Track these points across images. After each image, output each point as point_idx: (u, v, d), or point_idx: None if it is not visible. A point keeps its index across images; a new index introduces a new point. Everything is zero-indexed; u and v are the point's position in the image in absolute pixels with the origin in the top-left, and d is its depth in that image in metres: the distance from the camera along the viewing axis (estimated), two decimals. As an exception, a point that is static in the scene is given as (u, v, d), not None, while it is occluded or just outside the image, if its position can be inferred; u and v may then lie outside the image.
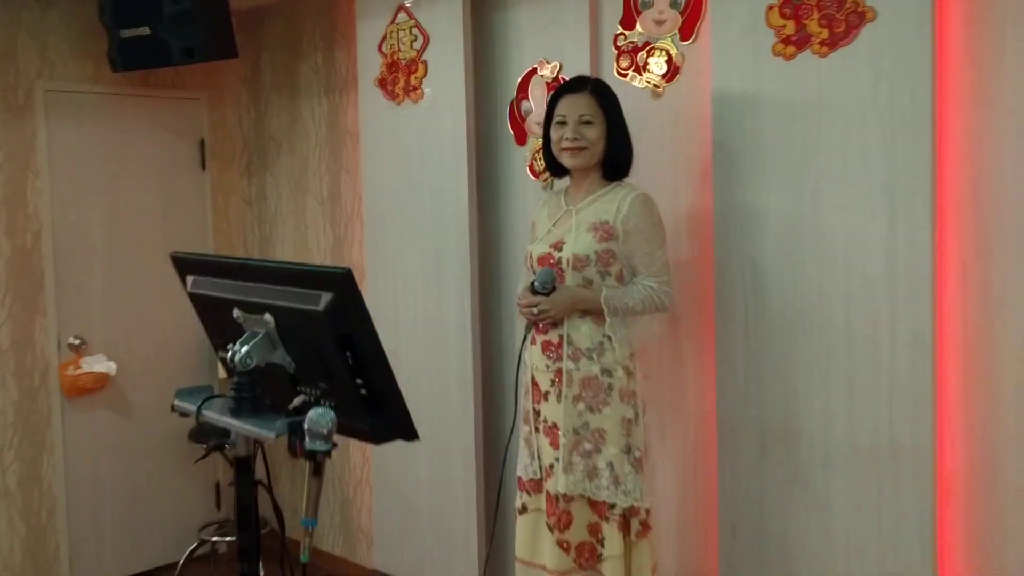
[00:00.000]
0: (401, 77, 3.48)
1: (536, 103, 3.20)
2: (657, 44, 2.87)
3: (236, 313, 1.83)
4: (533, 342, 2.59)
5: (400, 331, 3.59)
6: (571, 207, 2.58)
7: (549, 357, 2.53)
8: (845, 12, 2.35)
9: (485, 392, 3.42)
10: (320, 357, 1.71)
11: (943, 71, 2.26)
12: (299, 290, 1.70)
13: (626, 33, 2.95)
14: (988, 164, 2.24)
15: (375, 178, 3.64)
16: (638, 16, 2.91)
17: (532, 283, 2.48)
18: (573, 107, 2.53)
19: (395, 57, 3.50)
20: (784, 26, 2.47)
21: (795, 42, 2.46)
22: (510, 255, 3.36)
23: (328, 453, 1.62)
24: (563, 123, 2.54)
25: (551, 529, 2.54)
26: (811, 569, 2.53)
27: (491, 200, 3.39)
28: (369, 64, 3.60)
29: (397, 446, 1.80)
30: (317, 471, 1.62)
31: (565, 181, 2.71)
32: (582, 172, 2.58)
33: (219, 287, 1.88)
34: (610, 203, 2.52)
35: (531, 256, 2.61)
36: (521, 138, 3.27)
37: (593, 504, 2.50)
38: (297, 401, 1.80)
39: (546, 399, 2.55)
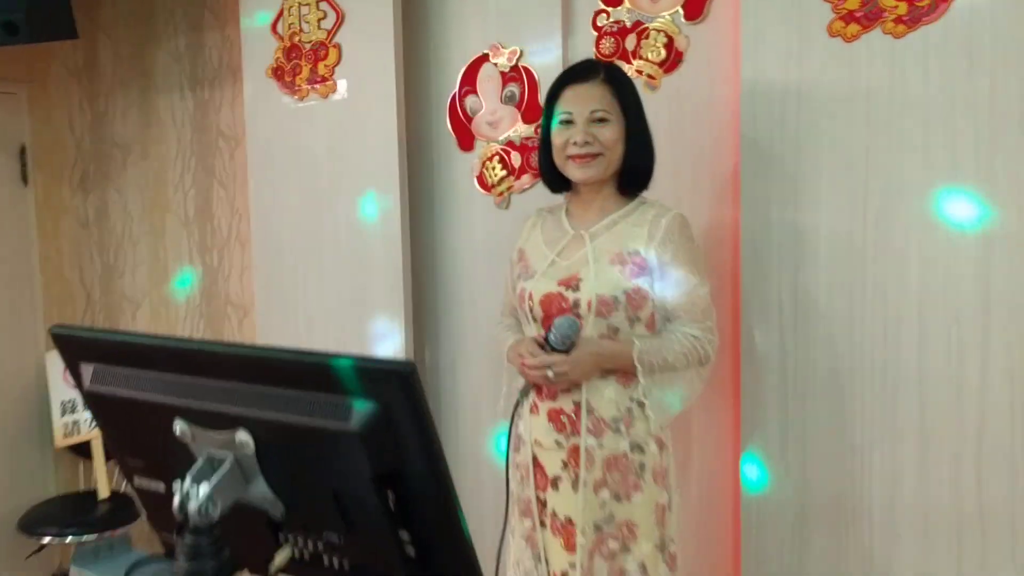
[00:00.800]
0: (304, 65, 2.75)
1: (487, 98, 2.57)
2: (653, 24, 2.32)
3: (180, 428, 1.09)
4: (534, 410, 1.95)
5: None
6: (580, 231, 1.96)
7: (560, 431, 1.89)
8: (929, -20, 1.89)
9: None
10: (337, 497, 1.02)
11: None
12: (311, 395, 1.00)
13: (609, 10, 2.38)
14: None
15: (267, 193, 2.87)
16: (625, -10, 2.35)
17: (546, 337, 1.84)
18: (583, 101, 1.92)
19: (296, 40, 2.76)
20: (844, -1, 1.98)
21: (860, 18, 1.96)
22: (452, 291, 2.70)
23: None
24: (569, 122, 1.92)
25: (571, 657, 1.91)
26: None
27: (427, 220, 2.72)
28: (258, 49, 2.84)
29: None
30: None
31: (557, 195, 2.10)
32: (591, 188, 1.97)
33: (148, 385, 1.13)
34: (637, 226, 1.92)
35: (529, 297, 1.95)
36: (466, 142, 2.63)
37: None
38: (280, 559, 1.11)
39: (555, 486, 1.91)
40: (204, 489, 1.04)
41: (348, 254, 2.71)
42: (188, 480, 1.02)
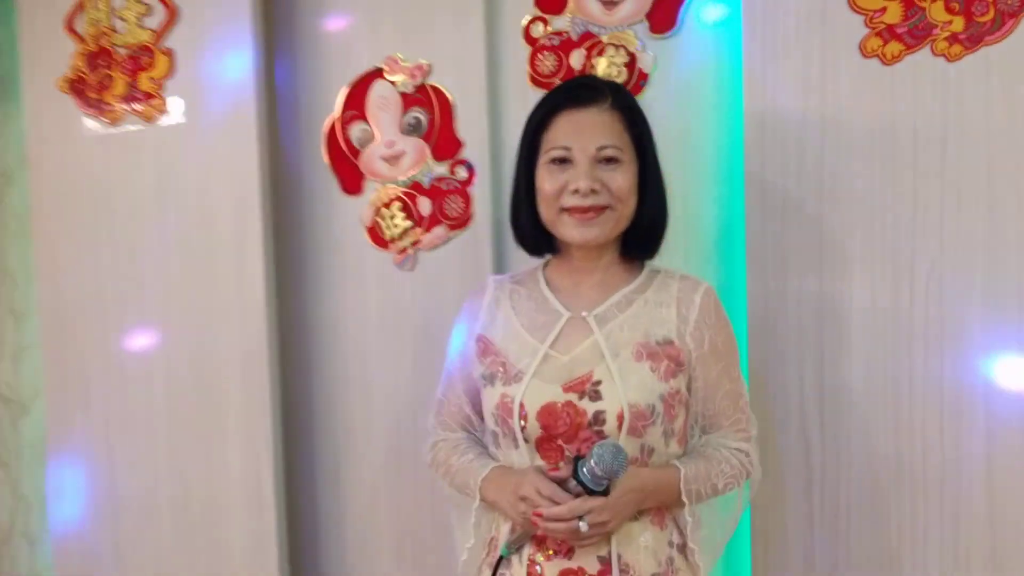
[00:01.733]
0: (119, 76, 1.99)
1: (381, 126, 1.95)
2: (608, 38, 1.81)
3: None
4: (534, 570, 1.33)
5: (125, 511, 2.07)
6: (580, 312, 1.39)
7: None
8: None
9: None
10: None
11: None
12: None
13: (548, 18, 1.85)
14: None
15: (60, 248, 2.08)
16: (570, -8, 1.83)
17: (579, 469, 1.25)
18: (587, 133, 1.35)
19: (104, 43, 2.00)
20: (885, 9, 1.56)
21: (902, 35, 1.54)
22: (335, 381, 2.04)
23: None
24: (566, 160, 1.36)
25: None
26: None
27: (297, 288, 2.05)
28: (44, 53, 2.04)
29: None
30: None
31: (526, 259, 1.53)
32: (589, 252, 1.41)
33: None
34: (662, 306, 1.38)
35: (520, 408, 1.34)
36: (352, 183, 1.98)
37: None
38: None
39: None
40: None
41: (188, 329, 1.98)
42: None
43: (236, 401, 1.96)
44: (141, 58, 1.96)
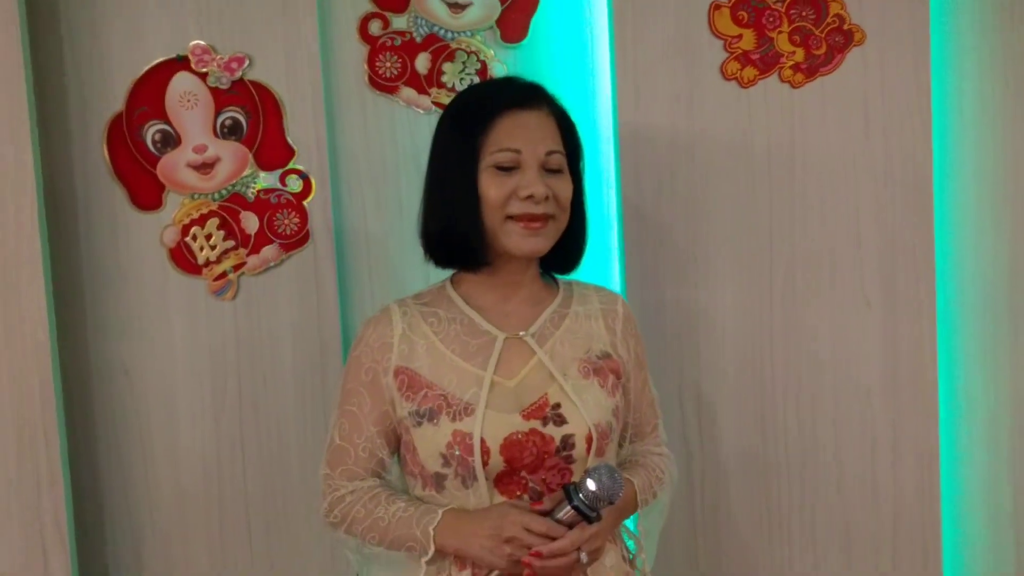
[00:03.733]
0: None
1: (187, 127, 1.61)
2: (459, 44, 1.70)
3: None
4: None
5: None
6: (513, 332, 1.27)
7: None
8: (825, 28, 1.67)
9: None
10: None
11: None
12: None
13: (387, 15, 1.68)
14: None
15: None
16: (413, -10, 1.68)
17: (574, 497, 1.13)
18: (534, 137, 1.23)
19: None
20: (739, 36, 1.66)
21: (756, 62, 1.66)
22: (132, 444, 1.64)
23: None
24: (510, 168, 1.23)
25: None
26: None
27: (78, 330, 1.62)
28: None
29: None
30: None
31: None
32: (518, 265, 1.29)
33: None
34: (591, 319, 1.32)
35: (481, 444, 1.18)
36: (148, 196, 1.61)
37: None
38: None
39: None
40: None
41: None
42: None
43: (12, 477, 1.49)
44: None
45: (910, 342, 1.73)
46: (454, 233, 1.27)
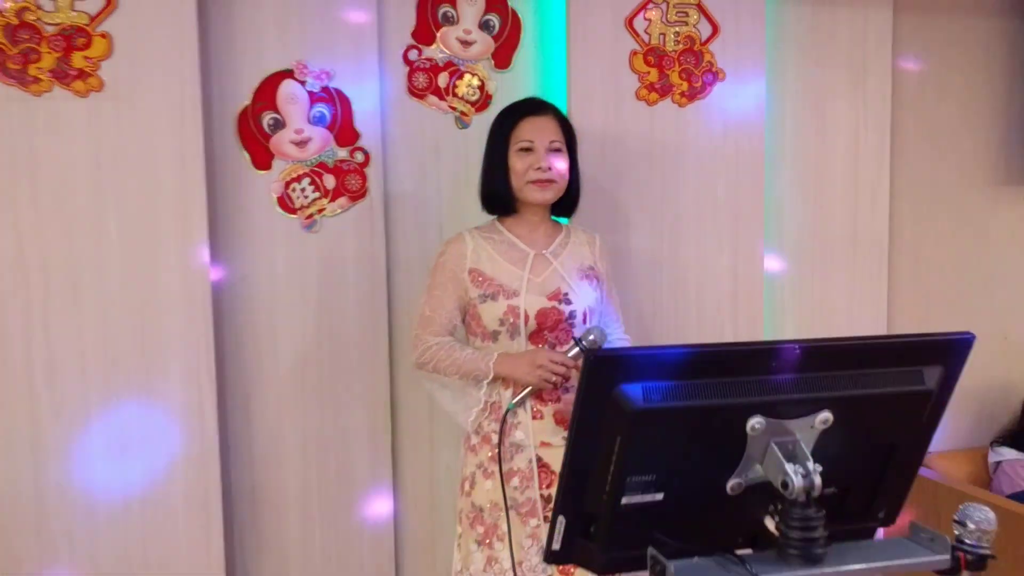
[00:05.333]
0: (47, 53, 2.13)
1: (291, 117, 2.42)
2: (467, 68, 2.56)
3: (754, 423, 1.19)
4: (537, 416, 2.09)
5: (51, 454, 2.21)
6: (538, 251, 2.16)
7: (566, 428, 2.08)
8: (702, 69, 2.64)
9: (235, 514, 2.45)
10: (889, 453, 1.29)
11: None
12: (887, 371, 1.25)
13: (421, 48, 2.53)
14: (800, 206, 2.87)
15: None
16: (437, 30, 2.53)
17: (580, 343, 2.01)
18: (541, 132, 2.14)
19: (27, 18, 2.12)
20: (648, 73, 2.59)
21: (658, 89, 2.61)
22: (256, 320, 2.44)
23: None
24: (529, 150, 2.12)
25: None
26: None
27: (227, 246, 2.42)
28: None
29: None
30: None
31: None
32: (533, 211, 2.18)
33: (717, 391, 1.17)
34: (583, 247, 2.23)
35: (523, 312, 2.08)
36: (262, 161, 2.42)
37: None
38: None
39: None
40: (814, 466, 1.20)
41: (122, 285, 2.24)
42: (795, 467, 1.17)
43: (177, 342, 2.28)
44: (73, 38, 2.16)
45: (746, 268, 2.74)
46: (496, 192, 2.16)
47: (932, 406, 1.30)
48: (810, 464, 1.20)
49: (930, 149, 3.10)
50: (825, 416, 1.23)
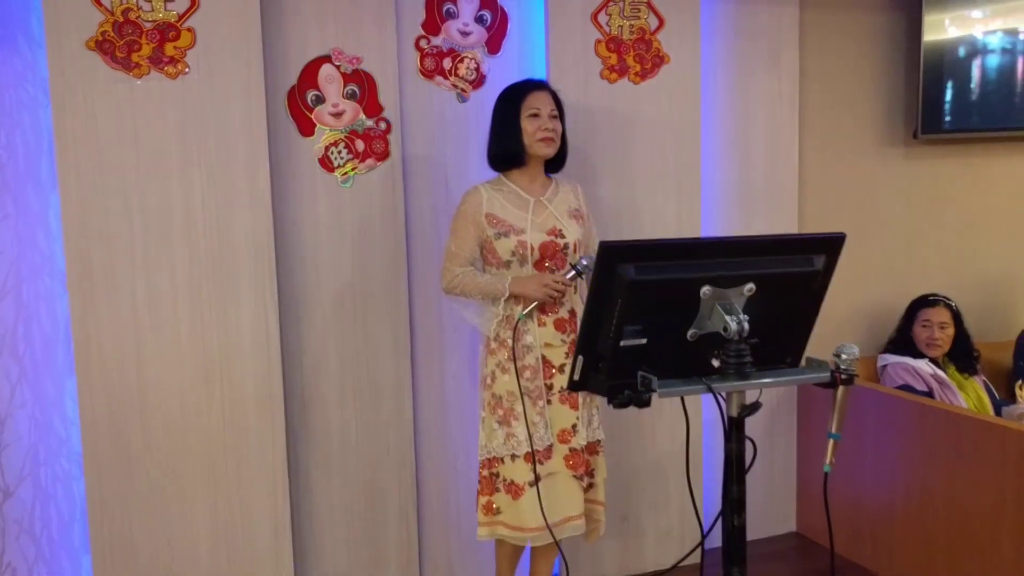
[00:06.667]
0: (146, 44, 2.70)
1: (329, 93, 3.03)
2: (466, 54, 3.19)
3: (705, 290, 1.88)
4: (541, 323, 2.78)
5: (150, 358, 2.82)
6: (537, 198, 2.83)
7: (563, 332, 2.79)
8: (651, 54, 3.32)
9: (289, 411, 3.06)
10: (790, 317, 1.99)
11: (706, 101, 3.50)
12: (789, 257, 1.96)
13: (430, 37, 3.16)
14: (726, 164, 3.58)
15: (82, 171, 2.70)
16: (443, 23, 3.16)
17: (577, 267, 2.72)
18: (544, 102, 2.79)
19: (131, 16, 2.68)
20: (609, 57, 3.27)
21: (618, 70, 3.28)
22: (304, 258, 3.06)
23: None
24: (537, 115, 2.77)
25: (579, 479, 2.82)
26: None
27: (280, 197, 3.02)
28: (70, 17, 2.62)
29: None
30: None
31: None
32: (534, 165, 2.84)
33: (681, 269, 1.86)
34: (569, 194, 2.91)
35: (530, 245, 2.75)
36: (307, 129, 3.02)
37: (590, 445, 2.90)
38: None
39: (561, 371, 2.79)
40: (742, 318, 1.90)
41: (205, 232, 2.85)
42: (733, 316, 1.86)
43: (247, 274, 2.89)
44: (165, 32, 2.73)
45: (687, 214, 3.45)
46: (510, 150, 2.80)
47: (819, 281, 2.00)
48: (741, 316, 1.90)
49: (830, 117, 3.87)
50: (750, 286, 1.92)
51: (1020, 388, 3.69)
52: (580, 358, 1.94)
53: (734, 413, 1.94)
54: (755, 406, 1.92)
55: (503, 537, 2.86)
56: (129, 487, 2.84)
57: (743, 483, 1.96)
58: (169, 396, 2.85)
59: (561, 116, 2.87)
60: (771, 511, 3.89)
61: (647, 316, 1.90)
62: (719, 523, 1.98)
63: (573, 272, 2.74)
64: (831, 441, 2.00)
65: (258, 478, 2.97)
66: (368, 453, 3.20)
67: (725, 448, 1.96)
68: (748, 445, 1.98)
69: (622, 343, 1.90)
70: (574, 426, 2.84)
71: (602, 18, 3.28)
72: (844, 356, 1.98)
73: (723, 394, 1.92)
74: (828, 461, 2.00)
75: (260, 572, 3.00)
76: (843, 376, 1.98)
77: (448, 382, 3.30)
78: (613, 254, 1.84)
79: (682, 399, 1.97)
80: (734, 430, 1.94)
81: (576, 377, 1.96)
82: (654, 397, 1.88)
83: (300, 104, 3.02)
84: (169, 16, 2.74)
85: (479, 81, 3.24)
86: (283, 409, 2.98)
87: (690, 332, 1.92)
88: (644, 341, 1.92)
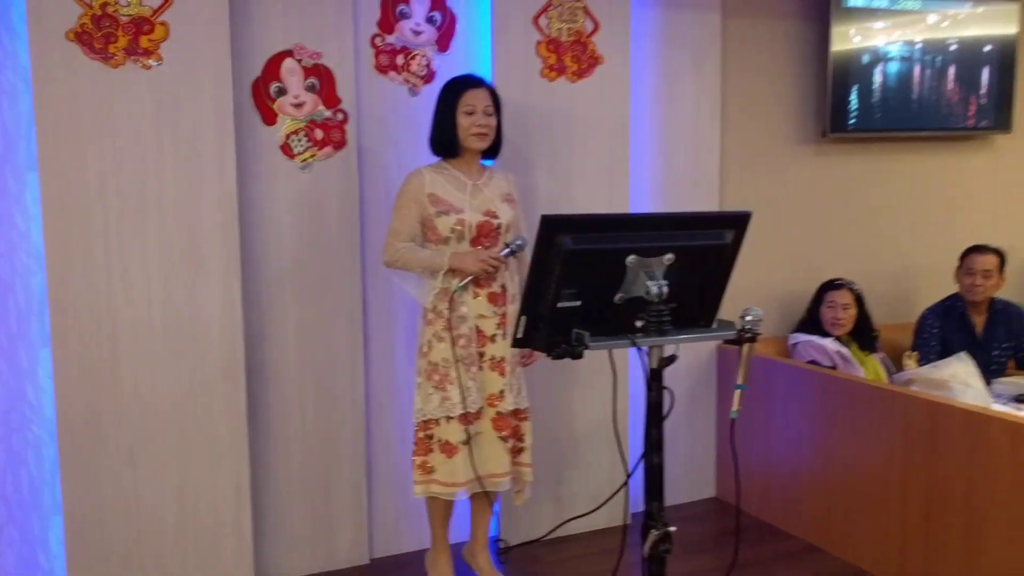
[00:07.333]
0: (122, 36, 2.90)
1: (291, 85, 3.27)
2: (417, 51, 3.46)
3: (630, 259, 2.19)
4: (476, 295, 3.06)
5: (123, 331, 3.03)
6: (475, 182, 3.12)
7: (494, 305, 3.08)
8: (587, 55, 3.63)
9: (250, 382, 3.29)
10: (703, 285, 2.31)
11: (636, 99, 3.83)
12: (703, 231, 2.28)
13: (384, 35, 3.42)
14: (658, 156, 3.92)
15: (62, 154, 2.90)
16: (396, 23, 3.43)
17: (510, 246, 3.02)
18: (481, 99, 3.07)
19: (108, 10, 2.88)
20: (549, 57, 3.57)
21: (556, 69, 3.59)
22: (267, 238, 3.30)
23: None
24: (472, 112, 3.05)
25: (505, 440, 3.11)
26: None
27: (245, 181, 3.25)
28: (52, 10, 2.82)
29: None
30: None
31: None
32: (473, 154, 3.12)
33: (611, 240, 2.17)
34: (502, 180, 3.21)
35: (468, 224, 3.03)
36: (270, 118, 3.26)
37: (516, 412, 3.20)
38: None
39: (492, 341, 3.08)
40: (663, 282, 2.22)
41: (176, 213, 3.06)
42: (654, 281, 2.17)
43: (213, 253, 3.12)
44: (140, 25, 2.94)
45: (617, 202, 3.78)
46: (446, 140, 3.09)
47: (729, 253, 2.34)
48: (662, 281, 2.21)
49: (749, 116, 4.25)
50: (670, 256, 2.23)
51: (907, 357, 4.10)
52: (523, 318, 2.24)
53: (655, 365, 2.26)
54: (672, 358, 2.25)
55: (436, 494, 3.14)
56: (102, 452, 3.05)
57: (661, 426, 2.28)
58: (140, 367, 3.07)
59: (498, 111, 3.15)
60: (693, 479, 4.25)
61: (581, 281, 2.20)
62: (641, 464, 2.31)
63: (507, 250, 3.05)
64: (737, 391, 2.33)
65: (221, 446, 3.20)
66: (323, 422, 3.46)
67: (647, 396, 2.28)
68: (667, 395, 2.31)
69: (559, 305, 2.21)
70: (502, 392, 3.13)
71: (543, 21, 3.59)
72: (749, 317, 2.31)
73: (645, 348, 2.24)
74: (734, 408, 2.33)
75: (222, 535, 3.24)
76: (747, 334, 2.31)
77: (398, 354, 3.57)
78: (554, 226, 2.15)
79: (610, 353, 2.29)
80: (655, 381, 2.27)
81: (520, 335, 2.26)
82: (586, 352, 2.19)
83: (264, 95, 3.26)
84: (144, 11, 2.95)
85: (429, 77, 3.51)
86: (245, 380, 3.22)
87: (618, 296, 2.24)
88: (579, 303, 2.23)
